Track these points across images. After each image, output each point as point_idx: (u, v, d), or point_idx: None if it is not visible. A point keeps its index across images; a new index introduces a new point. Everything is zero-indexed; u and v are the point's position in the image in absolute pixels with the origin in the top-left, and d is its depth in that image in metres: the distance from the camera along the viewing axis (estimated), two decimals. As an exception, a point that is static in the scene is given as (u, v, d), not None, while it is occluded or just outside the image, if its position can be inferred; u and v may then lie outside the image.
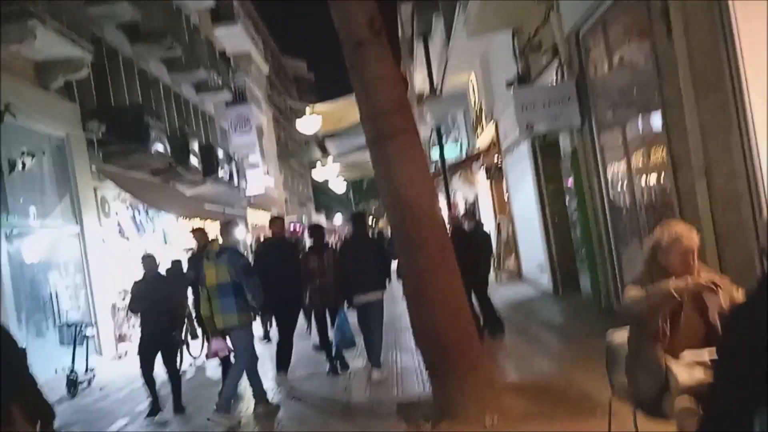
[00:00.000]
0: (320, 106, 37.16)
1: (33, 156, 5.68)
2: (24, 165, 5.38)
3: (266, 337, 10.36)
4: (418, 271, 4.88)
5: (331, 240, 25.69)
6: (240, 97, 27.25)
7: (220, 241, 6.45)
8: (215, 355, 8.63)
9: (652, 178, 6.89)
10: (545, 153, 10.97)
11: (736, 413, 1.44)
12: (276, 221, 7.82)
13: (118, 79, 15.20)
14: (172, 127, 17.38)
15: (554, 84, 9.05)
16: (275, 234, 7.71)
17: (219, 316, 5.93)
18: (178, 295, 7.24)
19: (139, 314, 7.05)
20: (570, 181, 9.75)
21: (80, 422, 7.32)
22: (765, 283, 1.51)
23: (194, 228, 8.82)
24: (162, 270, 7.72)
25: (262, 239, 13.32)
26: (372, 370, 6.93)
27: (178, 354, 7.29)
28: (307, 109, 32.51)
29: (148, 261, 7.10)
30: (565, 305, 9.70)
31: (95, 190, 12.48)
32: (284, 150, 41.29)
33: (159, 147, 14.16)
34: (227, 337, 6.16)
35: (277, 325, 7.46)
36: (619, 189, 7.97)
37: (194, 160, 16.93)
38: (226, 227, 6.43)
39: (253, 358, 6.23)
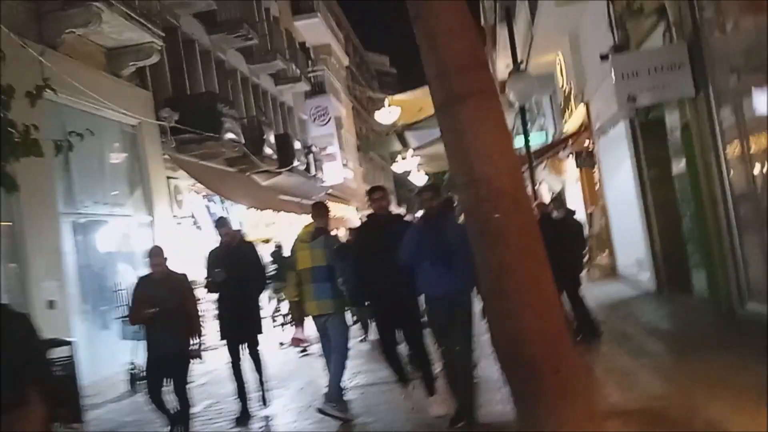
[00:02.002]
0: (399, 97, 36.50)
1: (81, 136, 5.23)
2: (70, 145, 4.94)
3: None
4: (497, 266, 3.91)
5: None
6: (319, 89, 27.01)
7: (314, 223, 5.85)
8: (298, 344, 7.97)
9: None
10: (647, 132, 9.65)
11: None
12: (377, 191, 5.68)
13: (194, 68, 15.03)
14: (248, 116, 17.13)
15: (661, 48, 7.79)
16: (379, 208, 5.58)
17: (313, 302, 5.54)
18: (191, 297, 5.58)
19: (143, 325, 5.54)
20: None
21: (136, 421, 6.89)
22: None
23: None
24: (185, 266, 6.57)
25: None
26: None
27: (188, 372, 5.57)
28: (386, 100, 31.92)
29: (155, 256, 5.49)
30: (673, 307, 8.35)
31: (168, 179, 12.26)
32: (364, 142, 40.93)
33: (232, 136, 13.82)
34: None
35: (379, 325, 5.63)
36: (745, 170, 6.66)
37: (269, 151, 16.59)
38: (319, 209, 5.92)
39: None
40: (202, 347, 5.83)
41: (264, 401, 6.26)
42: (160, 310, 5.25)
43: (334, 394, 5.48)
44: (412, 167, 38.38)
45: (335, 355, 5.59)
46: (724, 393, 4.45)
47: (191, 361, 5.50)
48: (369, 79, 50.29)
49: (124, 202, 11.04)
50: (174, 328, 5.27)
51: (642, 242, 10.29)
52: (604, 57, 9.42)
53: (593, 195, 14.55)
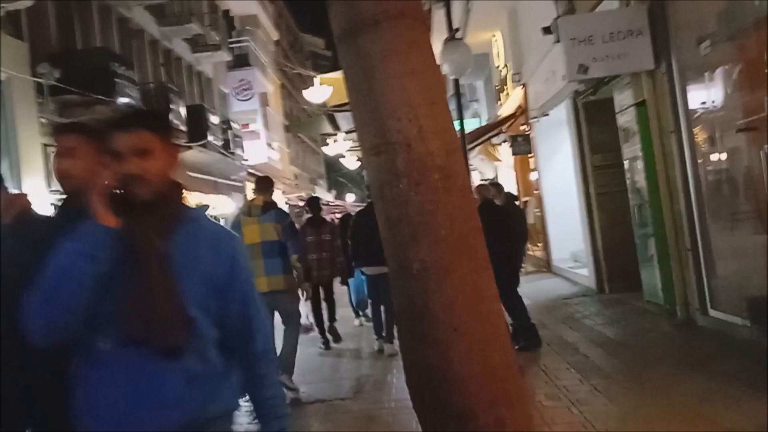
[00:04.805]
0: (331, 76, 34.85)
1: None
2: None
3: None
4: (419, 269, 2.67)
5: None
6: (243, 61, 25.31)
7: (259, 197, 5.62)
8: None
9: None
10: (592, 114, 8.74)
11: None
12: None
13: (89, 23, 13.13)
14: (153, 82, 15.34)
15: (617, 10, 6.79)
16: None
17: (263, 278, 5.21)
18: None
19: None
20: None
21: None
22: None
23: None
24: None
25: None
26: (385, 346, 6.61)
27: None
28: (316, 78, 30.28)
29: None
30: (619, 311, 7.40)
31: (45, 146, 10.46)
32: (294, 123, 39.19)
33: (129, 101, 12.06)
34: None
35: None
36: (713, 156, 5.75)
37: (176, 122, 14.85)
38: (264, 183, 5.76)
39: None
40: None
41: None
42: None
43: (286, 369, 5.31)
44: (343, 150, 36.94)
45: (288, 331, 5.51)
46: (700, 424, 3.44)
47: None
48: (302, 59, 48.29)
49: (-16, 172, 9.22)
50: None
51: (581, 235, 9.43)
52: (546, 30, 8.33)
53: (527, 184, 13.73)
